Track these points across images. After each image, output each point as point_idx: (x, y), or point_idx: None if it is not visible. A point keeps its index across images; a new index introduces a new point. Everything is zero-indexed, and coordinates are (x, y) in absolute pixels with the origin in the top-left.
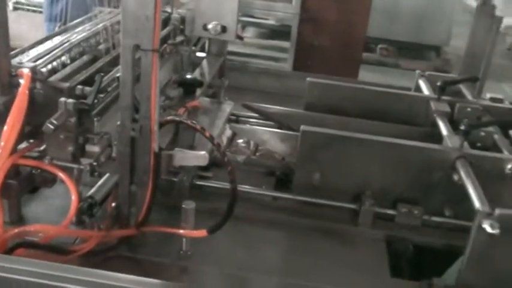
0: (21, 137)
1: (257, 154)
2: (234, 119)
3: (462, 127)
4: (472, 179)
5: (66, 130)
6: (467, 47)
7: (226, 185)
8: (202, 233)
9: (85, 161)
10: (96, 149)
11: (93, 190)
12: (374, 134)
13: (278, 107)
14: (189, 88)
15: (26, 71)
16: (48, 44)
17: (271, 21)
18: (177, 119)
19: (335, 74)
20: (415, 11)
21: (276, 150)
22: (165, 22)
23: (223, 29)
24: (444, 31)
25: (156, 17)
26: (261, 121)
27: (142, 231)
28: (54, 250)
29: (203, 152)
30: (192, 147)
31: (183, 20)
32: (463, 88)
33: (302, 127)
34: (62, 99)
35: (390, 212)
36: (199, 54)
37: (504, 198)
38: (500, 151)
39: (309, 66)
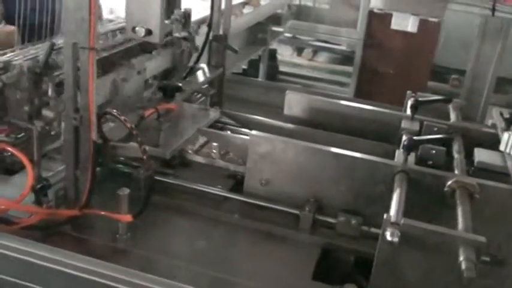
0: None
1: (226, 158)
2: (219, 127)
3: (405, 142)
4: (400, 191)
5: (22, 90)
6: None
7: (186, 183)
8: (128, 217)
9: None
10: (50, 113)
11: (50, 174)
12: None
13: (255, 117)
14: (168, 92)
15: None
16: None
17: (342, 47)
18: (108, 110)
19: (399, 102)
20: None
21: (238, 154)
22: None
23: (149, 32)
24: None
25: (91, 19)
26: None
27: (85, 213)
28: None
29: (134, 144)
30: (157, 146)
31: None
32: (451, 109)
33: (252, 133)
34: (19, 61)
35: (330, 220)
36: (202, 65)
37: (441, 217)
38: (450, 169)
39: (372, 92)
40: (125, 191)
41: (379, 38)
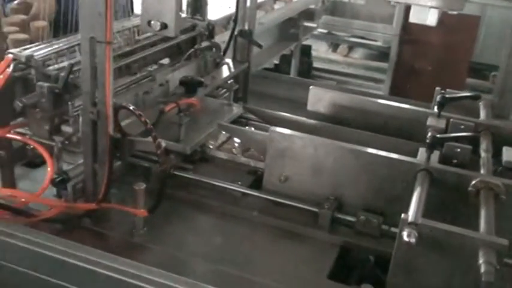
0: (14, 114)
1: (246, 154)
2: (242, 122)
3: (428, 140)
4: (420, 190)
5: (42, 110)
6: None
7: (205, 178)
8: (143, 212)
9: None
10: (68, 129)
11: (70, 167)
12: (366, 145)
13: (278, 112)
14: (190, 87)
15: (9, 56)
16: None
17: (379, 43)
18: (124, 105)
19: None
20: None
21: (259, 151)
22: (192, 28)
23: (164, 26)
24: None
25: (107, 13)
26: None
27: (102, 207)
28: (19, 213)
29: (149, 139)
30: (177, 141)
31: (209, 28)
32: (481, 106)
33: (271, 128)
34: (39, 82)
35: (349, 218)
36: (227, 60)
37: (465, 217)
38: (476, 169)
39: (408, 90)
40: (141, 185)
41: (416, 34)
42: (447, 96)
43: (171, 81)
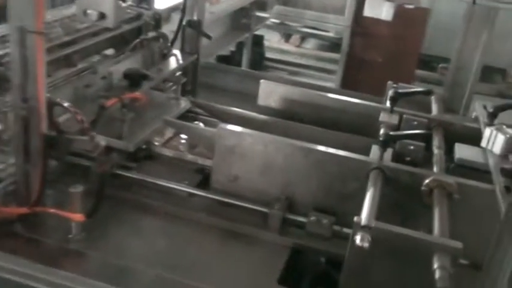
0: None
1: (194, 151)
2: (190, 117)
3: (380, 138)
4: (374, 190)
5: None
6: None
7: (149, 178)
8: (79, 217)
9: None
10: None
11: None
12: (317, 141)
13: (228, 107)
14: (134, 80)
15: None
16: None
17: (331, 34)
18: (57, 101)
19: (385, 89)
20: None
21: (207, 148)
22: (137, 18)
23: (102, 16)
24: (510, 53)
25: (38, 0)
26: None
27: (36, 211)
28: None
29: (86, 137)
30: (120, 138)
31: (155, 17)
32: (433, 101)
33: (219, 125)
34: None
35: (300, 219)
36: (175, 51)
37: (419, 216)
38: (429, 166)
39: (359, 81)
40: (78, 188)
41: (367, 26)
42: (400, 91)
43: (115, 73)
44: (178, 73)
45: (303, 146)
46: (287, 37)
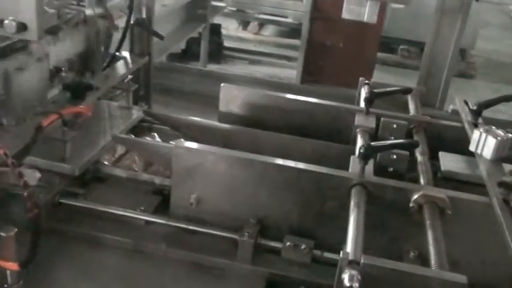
0: None
1: (149, 170)
2: (145, 127)
3: (361, 150)
4: (358, 212)
5: None
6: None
7: (98, 206)
8: (13, 266)
9: None
10: None
11: None
12: (289, 151)
13: (186, 117)
14: (76, 92)
15: None
16: None
17: (289, 20)
18: None
19: (348, 74)
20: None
21: (164, 165)
22: None
23: (22, 27)
24: (469, 33)
25: None
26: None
27: None
28: None
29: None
30: (62, 160)
31: None
32: (410, 98)
33: (176, 142)
34: None
35: (275, 244)
36: (124, 53)
37: (408, 236)
38: (414, 179)
39: (321, 67)
40: (10, 230)
41: (326, 11)
42: (375, 91)
43: (53, 56)
44: (128, 78)
45: (273, 163)
46: (245, 24)
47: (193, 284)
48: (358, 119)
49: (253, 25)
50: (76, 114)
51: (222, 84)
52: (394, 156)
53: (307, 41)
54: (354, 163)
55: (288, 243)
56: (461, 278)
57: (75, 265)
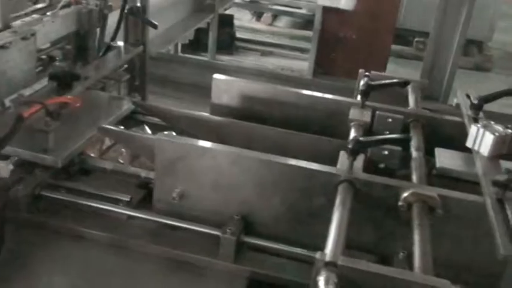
0: None
1: (135, 162)
2: (138, 119)
3: (349, 145)
4: (341, 210)
5: None
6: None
7: (79, 199)
8: None
9: None
10: None
11: None
12: (282, 145)
13: (177, 109)
14: (63, 81)
15: None
16: None
17: (303, 11)
18: None
19: (361, 66)
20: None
21: (149, 159)
22: None
23: None
24: (487, 25)
25: None
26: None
27: None
28: None
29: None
30: (45, 151)
31: None
32: (410, 91)
33: (157, 135)
34: None
35: (259, 242)
36: (119, 43)
37: (397, 235)
38: (408, 176)
39: (334, 59)
40: None
41: None
42: (371, 83)
43: (41, 35)
44: (123, 68)
45: (258, 158)
46: (259, 16)
47: (172, 282)
48: (353, 112)
49: (267, 16)
50: (62, 105)
51: (214, 75)
52: (386, 152)
53: (319, 32)
54: (343, 159)
55: (273, 241)
56: (444, 283)
57: (53, 258)
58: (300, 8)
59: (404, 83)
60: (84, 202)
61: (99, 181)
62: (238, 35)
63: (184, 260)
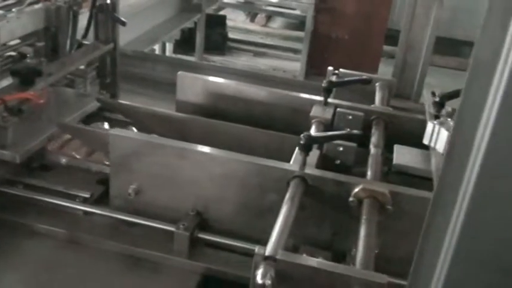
0: None
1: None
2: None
3: (301, 141)
4: (290, 205)
5: None
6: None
7: (35, 195)
8: None
9: None
10: None
11: None
12: (244, 141)
13: (139, 105)
14: (25, 77)
15: None
16: None
17: (297, 12)
18: None
19: (353, 67)
20: (450, 4)
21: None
22: None
23: None
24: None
25: None
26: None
27: None
28: None
29: None
30: (4, 147)
31: None
32: (377, 89)
33: (111, 131)
34: None
35: (213, 238)
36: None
37: (351, 231)
38: (363, 173)
39: (326, 59)
40: None
41: (332, 2)
42: (333, 80)
43: (4, 32)
44: (93, 66)
45: (209, 153)
46: (253, 16)
47: (126, 278)
48: (315, 110)
49: (261, 17)
50: (23, 100)
51: (178, 73)
52: (341, 149)
53: (312, 33)
54: (297, 155)
55: (226, 237)
56: (381, 278)
57: (4, 256)
58: (293, 9)
59: (366, 81)
60: (41, 198)
61: (59, 177)
62: (231, 35)
63: (139, 256)
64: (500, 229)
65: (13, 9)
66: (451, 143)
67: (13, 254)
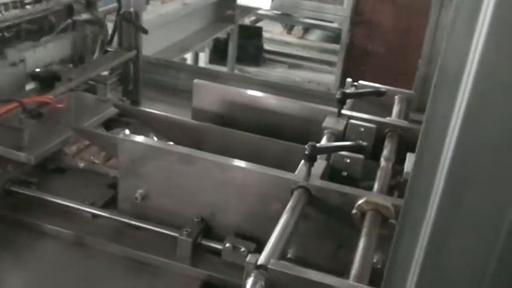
0: None
1: (109, 163)
2: (123, 122)
3: (306, 151)
4: (290, 215)
5: None
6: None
7: (47, 196)
8: None
9: None
10: None
11: None
12: (258, 151)
13: (157, 112)
14: (44, 81)
15: None
16: None
17: (335, 24)
18: None
19: (390, 82)
20: None
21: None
22: None
23: None
24: None
25: None
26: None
27: None
28: None
29: None
30: (20, 148)
31: None
32: (396, 102)
33: (120, 135)
34: None
35: (216, 245)
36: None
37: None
38: (366, 186)
39: (364, 72)
40: None
41: (368, 15)
42: (347, 91)
43: (31, 61)
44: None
45: (216, 161)
46: (290, 28)
47: (128, 281)
48: (328, 121)
49: (298, 29)
50: (41, 104)
51: (194, 80)
52: (348, 160)
53: (347, 46)
54: (302, 166)
55: (228, 245)
56: None
57: (12, 252)
58: (331, 21)
59: (381, 93)
60: (50, 199)
61: (73, 180)
62: (268, 47)
63: (142, 259)
64: (467, 236)
65: (41, 39)
66: (419, 153)
67: (23, 252)
